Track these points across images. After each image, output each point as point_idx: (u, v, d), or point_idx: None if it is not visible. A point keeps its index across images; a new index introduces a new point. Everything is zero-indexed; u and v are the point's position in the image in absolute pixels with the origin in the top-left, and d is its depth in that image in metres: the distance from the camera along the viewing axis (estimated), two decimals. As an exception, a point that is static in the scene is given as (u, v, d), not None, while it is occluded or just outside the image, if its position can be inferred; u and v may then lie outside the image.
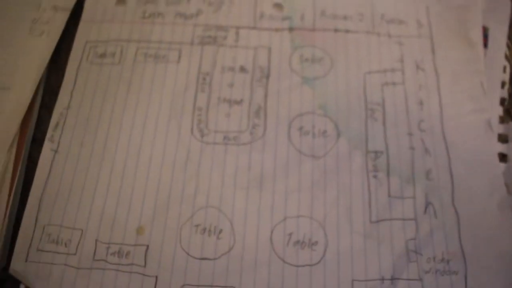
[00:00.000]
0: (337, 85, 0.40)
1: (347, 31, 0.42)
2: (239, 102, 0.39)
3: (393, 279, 0.33)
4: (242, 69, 0.40)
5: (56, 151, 0.37)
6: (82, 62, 0.40)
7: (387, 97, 0.39)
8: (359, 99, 0.39)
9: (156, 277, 0.33)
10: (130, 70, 0.40)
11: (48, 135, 0.38)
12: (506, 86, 0.41)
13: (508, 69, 0.42)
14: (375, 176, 0.36)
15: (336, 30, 0.42)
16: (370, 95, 0.39)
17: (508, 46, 0.42)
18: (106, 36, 0.42)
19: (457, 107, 0.39)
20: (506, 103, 0.40)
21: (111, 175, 0.36)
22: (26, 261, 0.34)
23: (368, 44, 0.41)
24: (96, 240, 0.34)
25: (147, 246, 0.34)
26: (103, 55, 0.41)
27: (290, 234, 0.35)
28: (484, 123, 0.38)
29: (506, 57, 0.42)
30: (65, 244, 0.34)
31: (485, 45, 0.42)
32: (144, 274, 0.33)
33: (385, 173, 0.36)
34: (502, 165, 0.38)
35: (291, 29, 0.42)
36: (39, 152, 0.37)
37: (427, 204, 0.36)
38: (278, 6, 0.43)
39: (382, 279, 0.33)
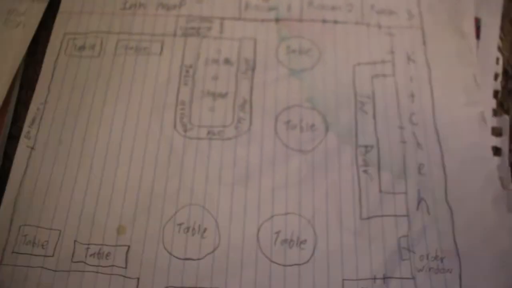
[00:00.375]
0: (326, 77, 0.38)
1: (335, 21, 0.40)
2: (224, 95, 0.37)
3: (385, 278, 0.32)
4: (227, 61, 0.39)
5: (32, 148, 0.36)
6: (60, 55, 0.39)
7: (377, 89, 0.38)
8: (348, 92, 0.38)
9: (138, 279, 0.32)
10: (110, 63, 0.38)
11: (24, 132, 0.36)
12: (499, 78, 0.40)
13: (501, 61, 0.41)
14: (365, 171, 0.35)
15: (324, 21, 0.40)
16: (359, 87, 0.38)
17: (500, 38, 0.41)
18: (85, 27, 0.40)
19: (449, 99, 0.38)
20: (499, 95, 0.39)
21: (90, 172, 0.35)
22: (0, 264, 0.32)
23: (357, 35, 0.40)
24: (75, 241, 0.33)
25: (128, 247, 0.33)
26: (82, 48, 0.39)
27: (278, 232, 0.33)
28: (477, 116, 0.37)
29: (499, 49, 0.41)
30: (42, 245, 0.33)
31: (478, 36, 0.41)
32: (125, 276, 0.32)
33: (376, 168, 0.35)
34: (496, 159, 0.36)
35: (277, 20, 0.40)
36: (15, 149, 0.36)
37: (420, 200, 0.34)
38: (264, -4, 0.42)
39: (374, 278, 0.32)
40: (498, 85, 0.40)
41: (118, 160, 0.35)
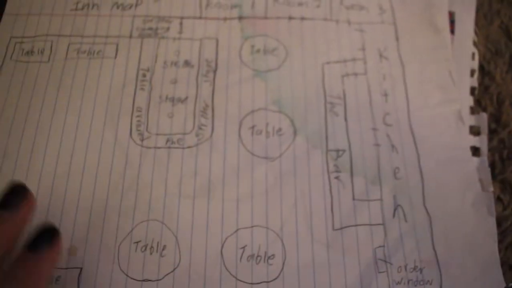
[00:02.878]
0: (292, 78, 0.36)
1: (302, 18, 0.38)
2: (183, 100, 0.35)
3: (360, 293, 0.30)
4: (187, 63, 0.36)
5: (-27, 163, 0.32)
6: (5, 60, 0.36)
7: (348, 89, 0.36)
8: (317, 93, 0.35)
9: (92, 303, 0.29)
10: (61, 68, 0.36)
11: (-36, 145, 0.33)
12: (476, 74, 0.38)
13: (477, 56, 0.39)
14: (337, 178, 0.33)
15: (290, 18, 0.38)
16: (329, 87, 0.36)
17: (475, 32, 0.40)
18: (34, 30, 0.37)
19: (424, 98, 0.36)
20: (476, 92, 0.37)
21: (39, 187, 0.32)
22: None
23: (326, 32, 0.38)
24: (22, 264, 0.30)
25: (81, 269, 0.30)
26: (30, 52, 0.36)
27: (244, 248, 0.31)
28: (454, 114, 0.35)
29: (474, 44, 0.39)
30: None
31: (452, 31, 0.39)
32: (77, 302, 0.29)
33: (348, 174, 0.33)
34: (475, 160, 0.35)
35: (240, 18, 0.38)
36: (-46, 165, 0.33)
37: (396, 206, 0.32)
38: (227, -7, 0.39)
39: (348, 294, 0.30)
40: (474, 82, 0.38)
41: (68, 173, 0.32)
